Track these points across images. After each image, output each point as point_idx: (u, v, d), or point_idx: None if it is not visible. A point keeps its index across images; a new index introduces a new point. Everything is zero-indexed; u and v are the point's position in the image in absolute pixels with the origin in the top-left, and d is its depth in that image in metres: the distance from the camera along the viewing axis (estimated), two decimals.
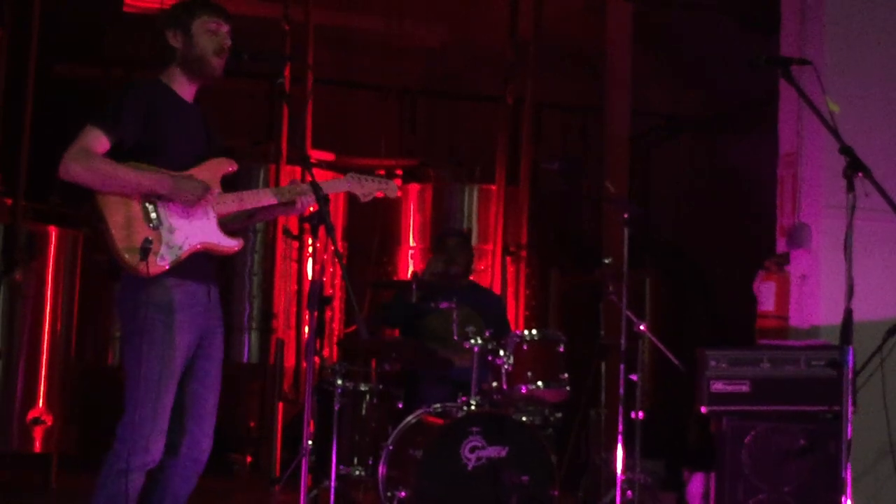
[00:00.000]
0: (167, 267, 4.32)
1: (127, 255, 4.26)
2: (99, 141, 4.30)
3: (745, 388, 6.18)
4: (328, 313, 8.96)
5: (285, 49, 8.90)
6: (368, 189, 4.84)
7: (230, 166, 4.57)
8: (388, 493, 6.04)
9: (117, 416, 4.37)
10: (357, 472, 6.37)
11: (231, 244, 4.52)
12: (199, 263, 4.44)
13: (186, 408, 4.46)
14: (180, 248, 4.36)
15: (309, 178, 4.54)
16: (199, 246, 4.41)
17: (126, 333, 4.41)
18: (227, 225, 4.54)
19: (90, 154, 4.28)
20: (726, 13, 9.37)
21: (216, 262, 4.57)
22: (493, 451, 5.98)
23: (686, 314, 9.83)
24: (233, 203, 4.52)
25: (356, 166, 9.97)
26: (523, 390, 6.33)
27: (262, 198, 4.61)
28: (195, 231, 4.41)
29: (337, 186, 4.83)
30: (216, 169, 4.54)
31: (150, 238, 4.28)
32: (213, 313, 4.54)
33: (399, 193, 5.03)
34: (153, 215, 4.33)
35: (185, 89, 4.56)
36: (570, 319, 9.61)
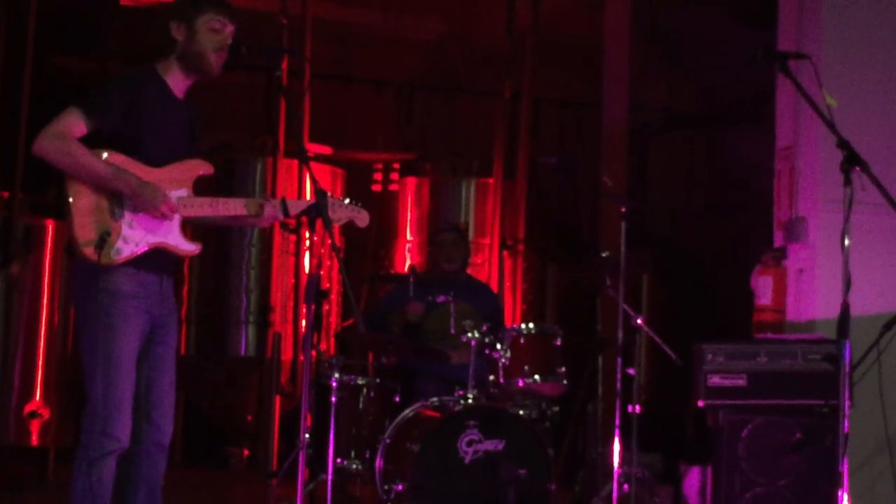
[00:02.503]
0: (120, 261, 4.36)
1: (82, 244, 4.31)
2: (77, 125, 4.33)
3: (741, 382, 6.18)
4: (325, 307, 8.95)
5: (282, 42, 8.89)
6: (339, 215, 4.84)
7: (204, 169, 4.58)
8: (386, 487, 6.05)
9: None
10: (354, 466, 6.38)
11: (190, 248, 4.56)
12: (156, 258, 4.48)
13: (143, 394, 4.50)
14: (136, 244, 4.40)
15: (306, 171, 4.55)
16: (155, 245, 4.44)
17: (80, 321, 4.46)
18: (191, 224, 4.57)
19: (66, 136, 4.31)
20: (723, 7, 9.36)
21: (173, 256, 4.58)
22: (490, 445, 5.99)
23: (683, 308, 9.83)
24: (202, 207, 4.54)
25: (353, 160, 9.97)
26: (520, 384, 6.34)
27: (232, 207, 4.62)
28: (154, 230, 4.44)
29: (306, 207, 4.80)
30: (190, 170, 4.55)
31: (109, 230, 4.32)
32: (166, 302, 4.57)
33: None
34: (116, 209, 4.37)
35: (179, 84, 4.57)
36: (568, 313, 9.62)
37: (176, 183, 4.47)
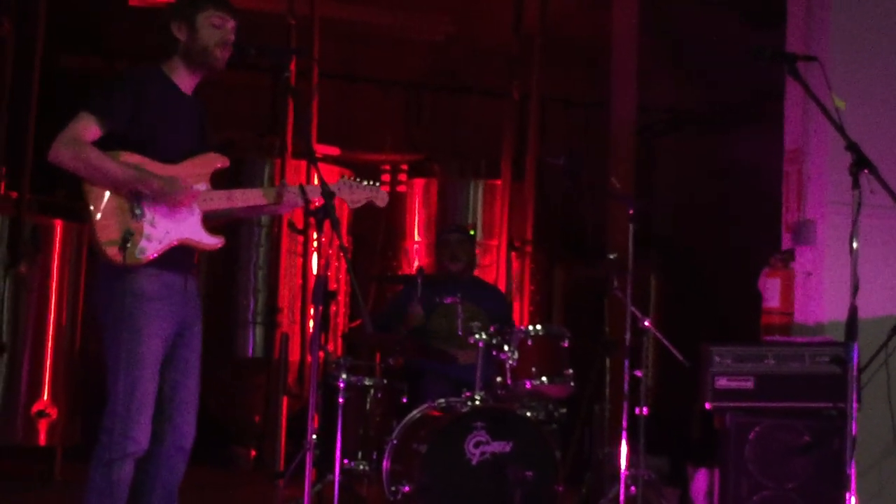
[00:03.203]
0: (145, 260, 4.36)
1: (106, 245, 4.30)
2: (90, 129, 4.33)
3: (749, 385, 6.18)
4: (333, 308, 8.96)
5: (290, 43, 8.90)
6: (358, 196, 4.85)
7: (220, 162, 4.59)
8: (393, 488, 6.04)
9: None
10: (361, 467, 6.37)
11: (212, 242, 4.55)
12: (179, 255, 4.48)
13: (168, 396, 4.51)
14: (160, 242, 4.39)
15: (314, 172, 4.56)
16: (178, 242, 4.44)
17: (104, 322, 4.44)
18: (211, 219, 4.56)
19: (80, 142, 4.31)
20: (729, 8, 9.36)
21: (196, 254, 4.59)
22: (498, 446, 5.98)
23: (688, 309, 9.82)
24: (221, 200, 4.54)
25: (361, 161, 9.98)
26: (528, 385, 6.33)
27: (251, 197, 4.63)
28: (177, 226, 4.44)
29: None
30: (206, 164, 4.56)
31: (132, 230, 4.32)
32: (190, 304, 4.58)
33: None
34: (137, 208, 4.37)
35: (186, 81, 4.58)
36: (575, 315, 9.61)
37: (194, 178, 4.48)
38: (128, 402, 4.33)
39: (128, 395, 4.33)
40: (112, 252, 4.29)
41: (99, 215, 4.31)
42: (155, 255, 4.37)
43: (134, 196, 4.35)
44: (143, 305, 4.36)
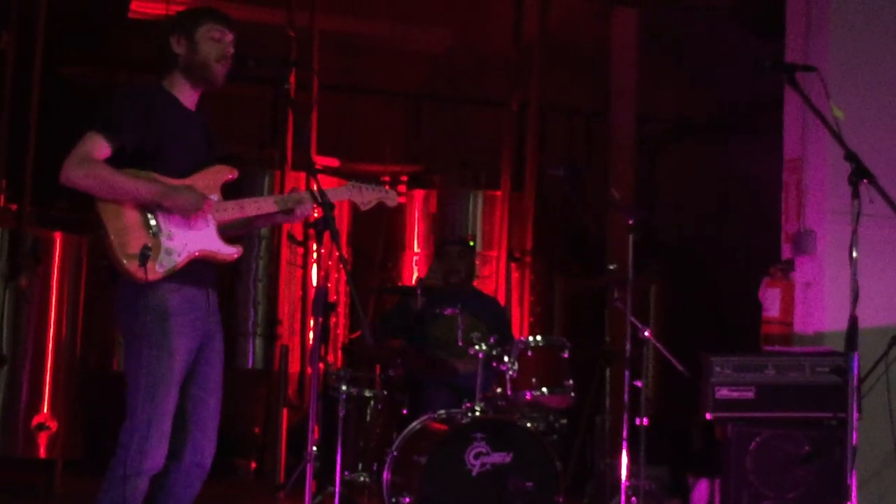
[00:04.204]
0: (166, 274, 4.34)
1: (125, 262, 4.27)
2: (100, 147, 4.32)
3: (749, 395, 6.18)
4: (333, 319, 8.96)
5: (290, 55, 8.91)
6: (368, 198, 4.86)
7: (230, 173, 4.58)
8: (393, 499, 6.04)
9: (122, 422, 4.38)
10: (362, 478, 6.38)
11: (230, 251, 4.53)
12: (198, 269, 4.45)
13: (188, 413, 4.47)
14: (178, 254, 4.37)
15: (314, 184, 4.56)
16: (197, 253, 4.42)
17: (125, 339, 4.42)
18: (227, 231, 4.55)
19: (91, 161, 4.29)
20: (733, 17, 9.36)
21: (215, 267, 4.57)
22: (498, 458, 5.98)
23: (691, 316, 9.82)
24: (233, 211, 4.53)
25: (361, 172, 9.98)
26: (528, 396, 6.33)
27: (263, 206, 4.62)
28: (194, 238, 4.42)
29: (337, 195, 4.81)
30: (216, 176, 4.55)
31: (149, 245, 4.29)
32: (212, 318, 4.55)
33: (402, 199, 5.03)
34: (152, 222, 4.35)
35: (187, 96, 4.57)
36: (575, 325, 9.61)
37: (205, 190, 4.46)
38: (147, 419, 4.30)
39: (147, 411, 4.30)
40: (132, 268, 4.26)
41: (115, 233, 4.29)
42: (175, 268, 4.35)
43: (148, 211, 4.34)
44: (164, 322, 4.34)
